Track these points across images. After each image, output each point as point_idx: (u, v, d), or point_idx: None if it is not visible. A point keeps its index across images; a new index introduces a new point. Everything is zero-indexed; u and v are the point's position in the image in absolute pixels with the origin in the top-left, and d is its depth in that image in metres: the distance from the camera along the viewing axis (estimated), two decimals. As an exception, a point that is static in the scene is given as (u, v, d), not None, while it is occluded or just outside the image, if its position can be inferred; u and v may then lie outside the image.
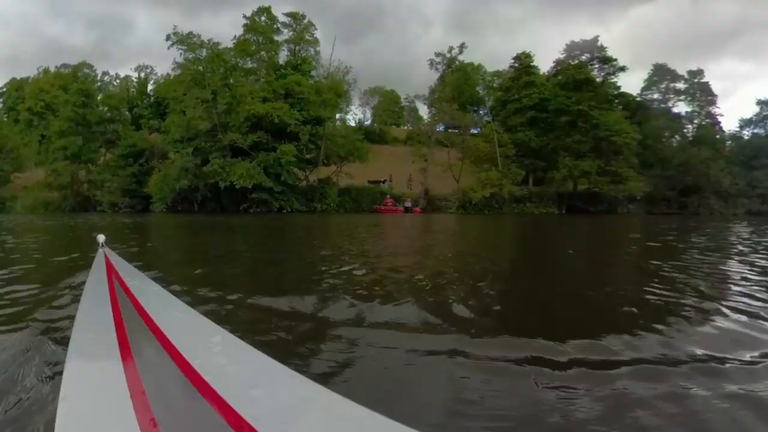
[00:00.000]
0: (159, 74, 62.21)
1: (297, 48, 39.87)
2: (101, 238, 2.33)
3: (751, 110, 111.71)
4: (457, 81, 43.59)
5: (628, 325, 2.31)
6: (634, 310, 2.69)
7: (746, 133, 50.50)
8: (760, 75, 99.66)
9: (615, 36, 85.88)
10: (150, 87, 64.23)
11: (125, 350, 0.91)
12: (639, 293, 3.23)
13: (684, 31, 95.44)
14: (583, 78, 40.07)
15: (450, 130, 44.95)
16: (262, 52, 37.80)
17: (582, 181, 39.49)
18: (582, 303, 3.07)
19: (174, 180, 34.84)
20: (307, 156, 36.97)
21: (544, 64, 55.43)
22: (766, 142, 45.93)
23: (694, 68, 50.99)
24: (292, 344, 2.01)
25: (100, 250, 2.16)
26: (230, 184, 33.36)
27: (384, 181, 42.85)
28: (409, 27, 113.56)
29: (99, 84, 52.53)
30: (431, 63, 43.79)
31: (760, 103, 49.07)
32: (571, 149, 38.63)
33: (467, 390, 1.55)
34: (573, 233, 12.74)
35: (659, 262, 5.03)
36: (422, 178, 40.45)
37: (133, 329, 1.03)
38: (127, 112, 50.79)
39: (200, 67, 34.82)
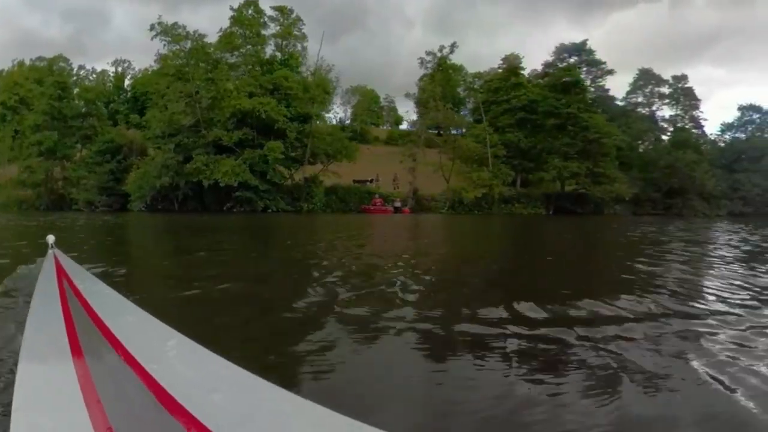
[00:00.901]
0: (137, 69, 60.30)
1: (284, 43, 38.83)
2: (51, 238, 2.29)
3: (725, 114, 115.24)
4: (440, 81, 43.18)
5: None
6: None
7: (727, 137, 51.41)
8: (735, 80, 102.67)
9: (595, 40, 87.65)
10: (127, 82, 62.33)
11: (78, 357, 0.88)
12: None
13: (662, 37, 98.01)
14: (572, 80, 40.23)
15: (437, 131, 44.61)
16: (248, 46, 36.66)
17: (570, 182, 39.67)
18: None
19: (154, 177, 33.45)
20: (292, 154, 35.90)
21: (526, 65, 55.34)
22: (747, 146, 46.80)
23: (671, 73, 51.92)
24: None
25: (50, 252, 2.10)
26: (214, 182, 32.16)
27: (371, 181, 42.13)
28: (391, 27, 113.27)
29: (75, 78, 50.53)
30: (421, 61, 43.27)
31: (741, 108, 50.01)
32: (560, 151, 38.79)
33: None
34: (570, 236, 12.75)
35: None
36: (411, 178, 39.93)
37: (86, 335, 0.99)
38: (104, 108, 49.03)
39: (184, 60, 33.54)
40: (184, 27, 33.88)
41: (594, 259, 7.38)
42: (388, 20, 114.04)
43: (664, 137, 48.05)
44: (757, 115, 49.20)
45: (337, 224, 16.67)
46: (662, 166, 41.95)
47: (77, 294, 1.29)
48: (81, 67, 56.57)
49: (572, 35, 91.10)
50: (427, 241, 10.32)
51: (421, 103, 41.58)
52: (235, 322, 2.56)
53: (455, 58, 46.09)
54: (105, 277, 3.19)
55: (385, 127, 71.95)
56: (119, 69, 62.59)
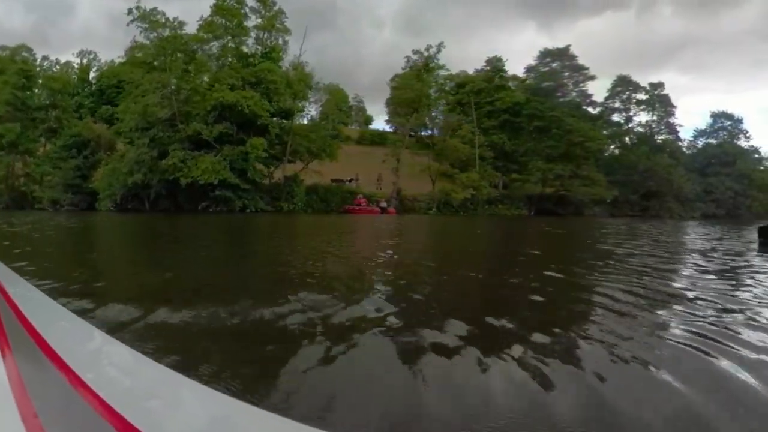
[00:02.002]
0: (102, 61, 57.41)
1: (266, 36, 37.37)
2: None
3: (690, 120, 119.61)
4: (426, 82, 42.73)
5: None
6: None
7: (700, 142, 52.93)
8: (699, 88, 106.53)
9: (562, 46, 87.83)
10: (92, 74, 59.33)
11: (10, 365, 0.86)
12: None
13: (629, 44, 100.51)
14: (555, 85, 40.72)
15: (411, 132, 44.16)
16: (229, 37, 35.04)
17: (553, 184, 39.98)
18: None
19: (125, 174, 31.45)
20: (271, 152, 34.51)
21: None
22: (719, 152, 48.28)
23: (637, 79, 52.83)
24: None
25: None
26: (192, 180, 30.40)
27: (350, 180, 41.11)
28: (361, 27, 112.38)
29: (38, 69, 47.76)
30: (407, 60, 42.73)
31: (713, 115, 51.67)
32: (544, 153, 39.07)
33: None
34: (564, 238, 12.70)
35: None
36: (394, 178, 39.30)
37: (17, 343, 0.96)
38: (70, 99, 46.44)
39: (161, 48, 31.74)
40: (163, 13, 32.20)
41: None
42: (358, 20, 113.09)
43: (631, 141, 49.03)
44: (729, 122, 51.11)
45: (326, 226, 15.85)
46: (641, 170, 42.79)
47: (7, 299, 1.16)
48: (45, 58, 53.59)
49: (540, 40, 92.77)
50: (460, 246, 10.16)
51: (406, 104, 40.87)
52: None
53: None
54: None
55: (353, 127, 71.14)
56: (84, 60, 59.47)
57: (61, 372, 0.73)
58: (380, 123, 66.85)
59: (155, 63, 32.01)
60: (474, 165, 38.56)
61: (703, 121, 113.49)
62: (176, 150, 31.12)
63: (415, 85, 40.19)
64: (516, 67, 58.86)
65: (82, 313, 2.66)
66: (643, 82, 49.36)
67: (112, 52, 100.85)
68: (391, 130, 55.48)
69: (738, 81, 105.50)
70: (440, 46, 41.98)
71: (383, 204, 37.19)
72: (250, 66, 34.46)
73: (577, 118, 40.13)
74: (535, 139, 40.10)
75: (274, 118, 33.51)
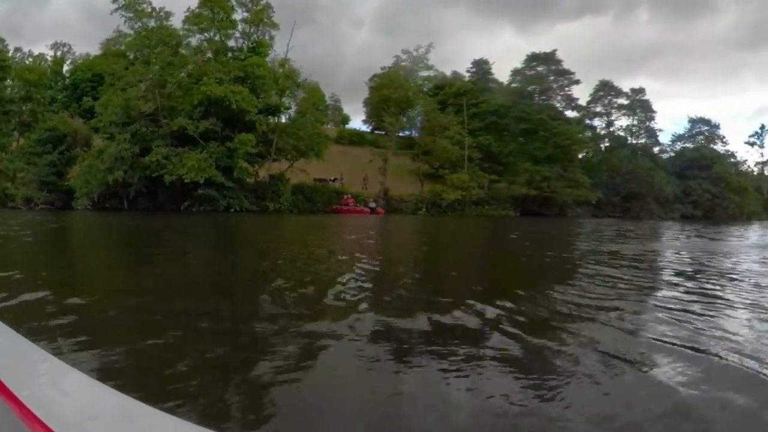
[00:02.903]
0: (77, 54, 55.43)
1: (252, 30, 36.33)
2: None
3: (662, 125, 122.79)
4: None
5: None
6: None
7: (678, 146, 54.46)
8: (672, 93, 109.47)
9: (539, 49, 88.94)
10: (66, 68, 57.21)
11: None
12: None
13: (605, 48, 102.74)
14: (541, 88, 41.33)
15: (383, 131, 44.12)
16: (216, 30, 33.94)
17: (540, 185, 40.57)
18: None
19: (104, 171, 30.15)
20: (256, 150, 33.61)
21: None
22: (697, 155, 49.83)
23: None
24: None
25: None
26: (177, 177, 29.24)
27: (334, 180, 40.47)
28: (340, 25, 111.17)
29: (10, 62, 45.83)
30: (397, 59, 42.50)
31: (691, 120, 53.53)
32: (530, 155, 39.57)
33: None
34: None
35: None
36: (382, 179, 39.03)
37: None
38: (45, 92, 44.69)
39: (146, 39, 30.46)
40: (150, 2, 31.05)
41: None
42: (337, 18, 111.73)
43: (612, 145, 50.09)
44: (706, 128, 52.88)
45: (325, 227, 15.64)
46: (624, 172, 43.82)
47: None
48: (18, 50, 51.50)
49: (518, 43, 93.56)
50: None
51: (395, 104, 40.55)
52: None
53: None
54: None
55: (328, 126, 70.56)
56: (59, 53, 57.22)
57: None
58: (357, 122, 65.96)
59: (138, 55, 30.84)
60: (462, 166, 38.63)
61: (674, 125, 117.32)
62: (159, 146, 29.87)
63: (405, 85, 39.99)
64: (494, 68, 59.15)
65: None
66: (618, 86, 50.71)
67: (85, 46, 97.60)
68: (368, 129, 55.32)
69: (709, 87, 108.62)
70: (429, 47, 41.88)
71: (372, 204, 36.86)
72: (236, 60, 33.51)
73: (563, 121, 40.78)
74: (521, 141, 40.56)
75: (260, 115, 32.69)
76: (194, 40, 33.54)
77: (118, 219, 18.37)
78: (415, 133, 44.61)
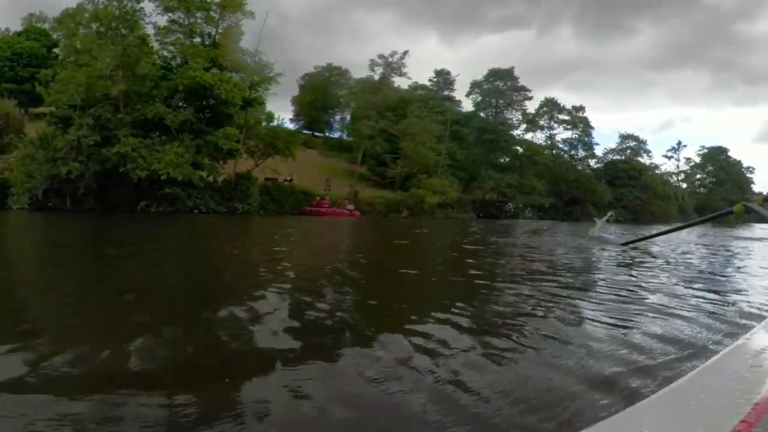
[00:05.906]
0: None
1: (221, 17, 33.82)
2: None
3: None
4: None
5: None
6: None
7: (608, 158, 60.55)
8: (585, 105, 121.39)
9: (461, 58, 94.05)
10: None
11: None
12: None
13: (526, 62, 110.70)
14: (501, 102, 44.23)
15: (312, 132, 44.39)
16: (185, 11, 30.74)
17: (502, 191, 43.19)
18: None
19: (50, 164, 26.36)
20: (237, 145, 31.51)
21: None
22: (627, 166, 56.50)
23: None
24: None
25: None
26: (149, 174, 26.30)
27: (287, 180, 39.11)
28: (268, 19, 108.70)
29: None
30: (372, 63, 42.71)
31: (621, 136, 61.04)
32: (493, 163, 42.12)
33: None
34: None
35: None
36: (351, 181, 39.00)
37: None
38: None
39: (109, 13, 26.91)
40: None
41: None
42: (263, 11, 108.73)
43: (557, 155, 54.80)
44: (634, 143, 60.37)
45: (332, 231, 15.22)
46: (570, 179, 48.02)
47: None
48: None
49: (442, 51, 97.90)
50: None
51: (372, 108, 40.74)
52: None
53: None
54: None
55: None
56: (-25, 26, 50.00)
57: None
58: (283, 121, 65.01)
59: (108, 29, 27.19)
60: (436, 171, 39.80)
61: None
62: (127, 136, 26.44)
63: (383, 90, 40.34)
64: (418, 73, 61.86)
65: None
66: (560, 103, 56.04)
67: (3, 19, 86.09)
68: (295, 128, 54.79)
69: (620, 102, 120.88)
70: (405, 54, 42.58)
71: (350, 206, 36.57)
72: (210, 47, 31.14)
73: (521, 133, 44.16)
74: (484, 150, 43.00)
75: (234, 107, 30.77)
76: (163, 20, 30.27)
77: (75, 223, 16.15)
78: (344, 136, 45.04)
